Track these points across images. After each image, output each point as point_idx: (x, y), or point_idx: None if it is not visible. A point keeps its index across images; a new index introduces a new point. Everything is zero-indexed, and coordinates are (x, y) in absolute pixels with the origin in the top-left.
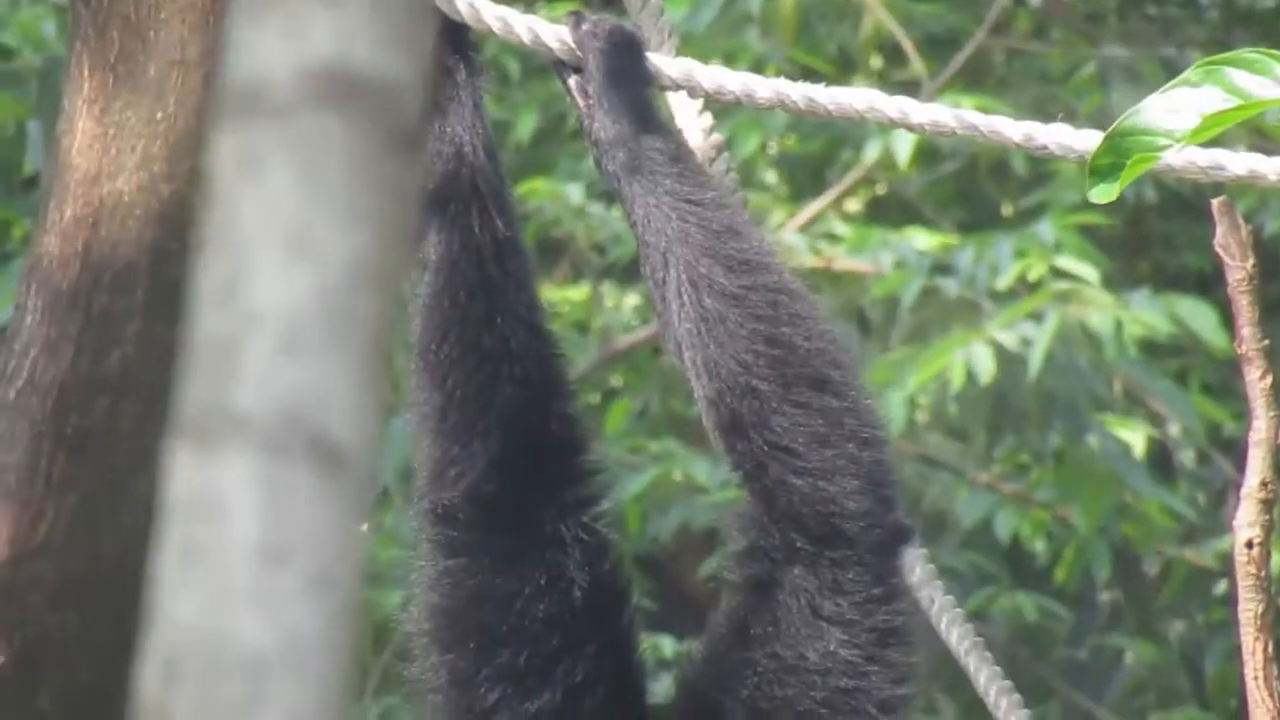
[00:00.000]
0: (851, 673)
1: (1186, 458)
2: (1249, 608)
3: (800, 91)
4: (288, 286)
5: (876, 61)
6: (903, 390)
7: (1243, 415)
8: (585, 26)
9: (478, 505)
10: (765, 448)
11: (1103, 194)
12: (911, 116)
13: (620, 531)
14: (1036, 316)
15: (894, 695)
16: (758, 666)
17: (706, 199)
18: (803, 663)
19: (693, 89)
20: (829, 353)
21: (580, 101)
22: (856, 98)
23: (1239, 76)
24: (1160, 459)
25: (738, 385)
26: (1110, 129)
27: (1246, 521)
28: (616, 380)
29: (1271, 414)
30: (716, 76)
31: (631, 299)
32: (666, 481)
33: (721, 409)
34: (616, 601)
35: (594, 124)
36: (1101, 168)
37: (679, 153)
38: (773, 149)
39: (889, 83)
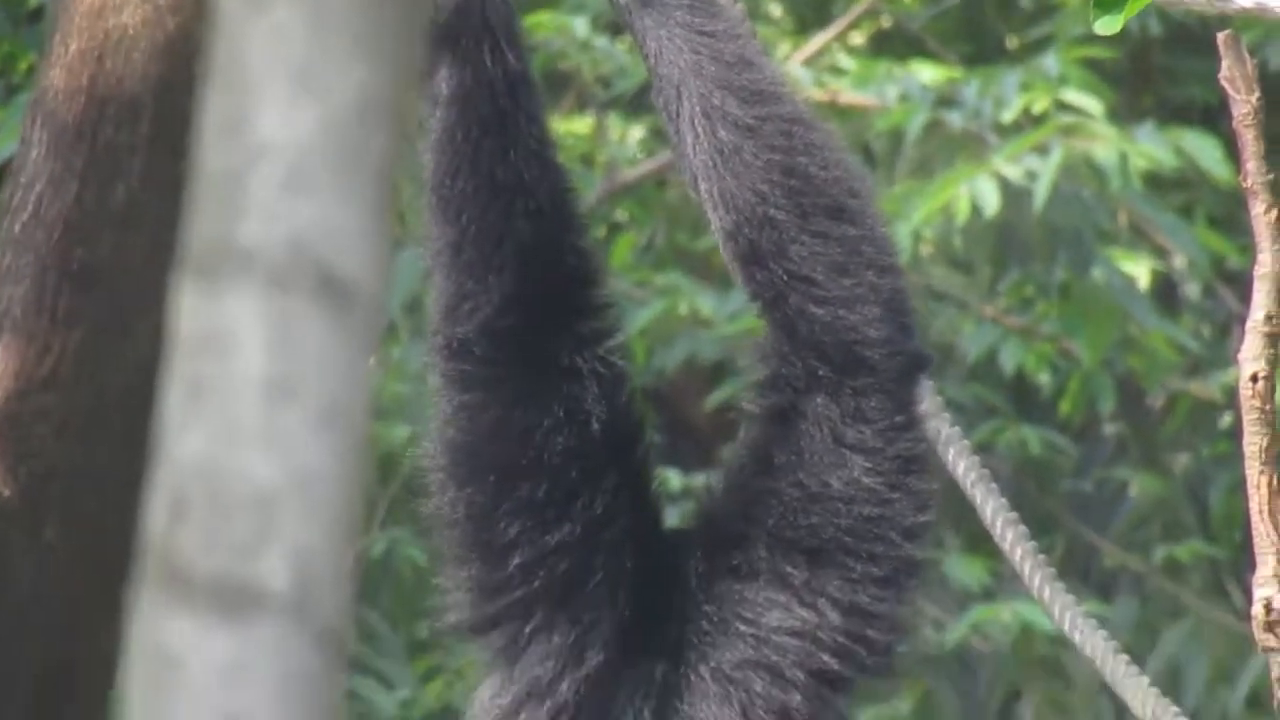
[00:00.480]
0: (875, 500)
1: (1191, 291)
2: (1254, 441)
3: None
4: (294, 121)
5: None
6: (908, 224)
7: (1248, 248)
8: None
9: (493, 339)
10: (785, 278)
11: (1107, 25)
12: None
13: (632, 364)
14: (1041, 150)
15: (917, 522)
16: (782, 496)
17: (719, 30)
18: (826, 490)
19: None
20: (845, 181)
21: None
22: None
23: None
24: (1165, 292)
25: (755, 216)
26: None
27: (1251, 355)
28: (622, 214)
29: (1276, 247)
30: None
31: (636, 132)
32: (672, 315)
33: (740, 240)
34: (633, 434)
35: None
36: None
37: None
38: None
39: None
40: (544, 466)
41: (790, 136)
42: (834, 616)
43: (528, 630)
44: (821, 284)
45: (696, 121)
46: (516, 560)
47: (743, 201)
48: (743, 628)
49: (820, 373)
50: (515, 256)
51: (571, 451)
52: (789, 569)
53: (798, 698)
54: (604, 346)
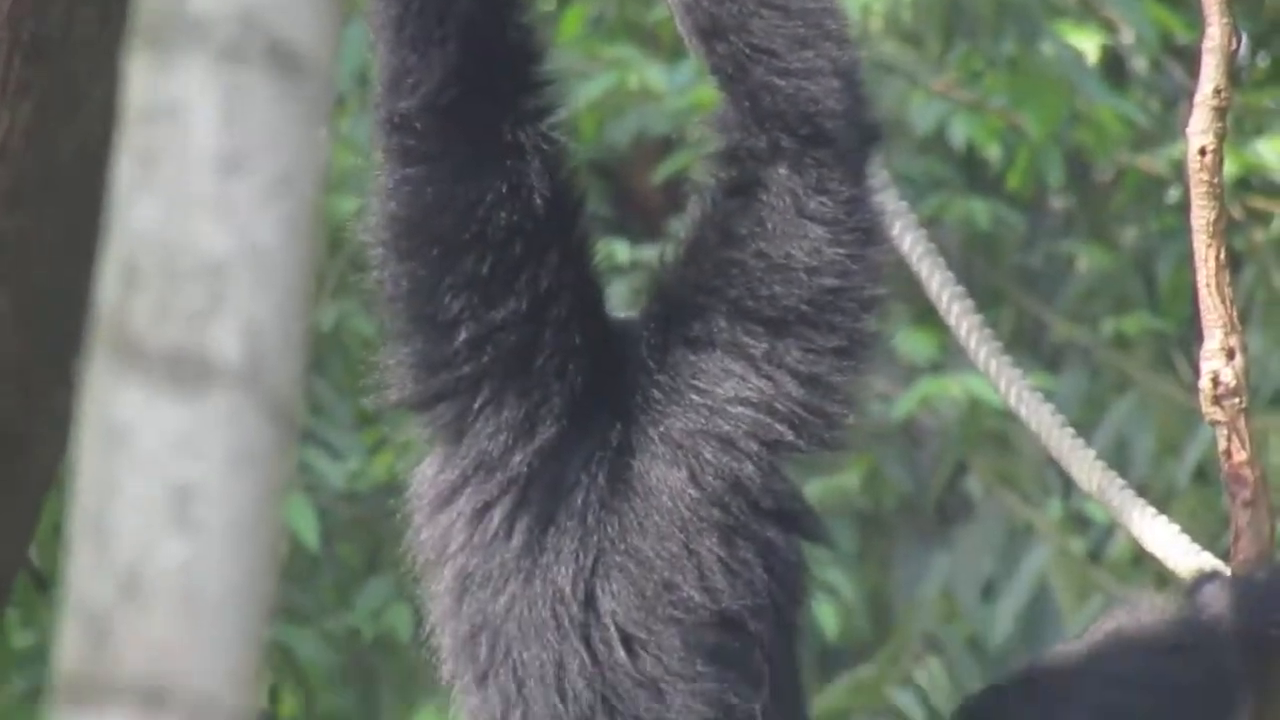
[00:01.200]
0: (836, 271)
1: (1139, 65)
2: (1201, 214)
3: None
4: None
5: None
6: None
7: (1196, 23)
8: None
9: (436, 114)
10: (747, 51)
11: None
12: None
13: (575, 139)
14: None
15: (874, 294)
16: (745, 266)
17: None
18: (789, 261)
19: None
20: None
21: None
22: None
23: None
24: (1113, 66)
25: None
26: None
27: (1200, 129)
28: None
29: (1225, 20)
30: None
31: None
32: (622, 88)
33: (699, 13)
34: (575, 209)
35: None
36: None
37: None
38: None
39: None
40: (487, 241)
41: None
42: (791, 387)
43: (475, 405)
44: (783, 56)
45: None
46: (461, 335)
47: None
48: (696, 397)
49: (783, 144)
50: (458, 31)
51: (514, 227)
52: (748, 340)
53: (749, 467)
54: (547, 121)
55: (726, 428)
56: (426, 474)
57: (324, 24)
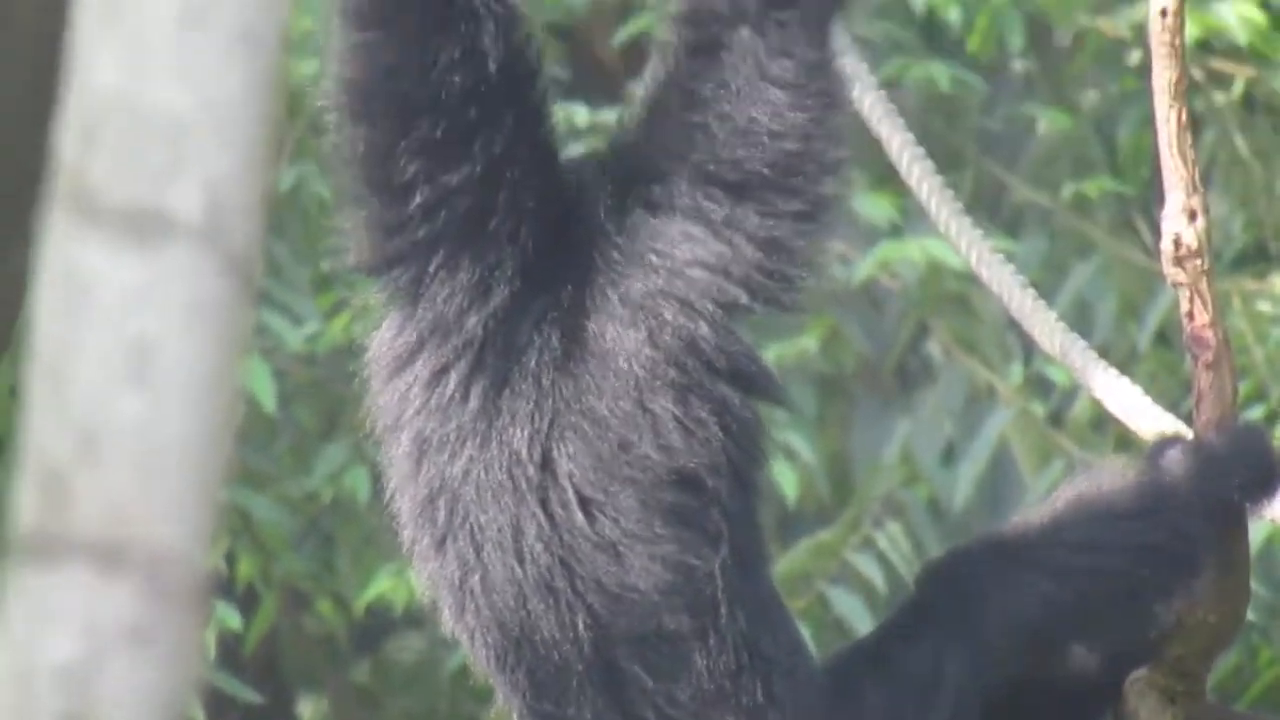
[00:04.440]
0: (798, 135)
1: None
2: (1163, 76)
3: None
4: None
5: None
6: None
7: None
8: None
9: None
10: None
11: None
12: None
13: (532, 1)
14: None
15: (835, 158)
16: (708, 129)
17: None
18: (752, 125)
19: None
20: None
21: None
22: None
23: None
24: None
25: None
26: None
27: None
28: None
29: None
30: None
31: None
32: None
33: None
34: (530, 73)
35: None
36: None
37: None
38: None
39: None
40: (441, 105)
41: None
42: (749, 250)
43: (431, 268)
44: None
45: None
46: (417, 199)
47: None
48: (655, 259)
49: (745, 4)
50: None
51: (469, 91)
52: (708, 203)
53: (705, 327)
54: None
55: (684, 289)
56: (384, 338)
57: None
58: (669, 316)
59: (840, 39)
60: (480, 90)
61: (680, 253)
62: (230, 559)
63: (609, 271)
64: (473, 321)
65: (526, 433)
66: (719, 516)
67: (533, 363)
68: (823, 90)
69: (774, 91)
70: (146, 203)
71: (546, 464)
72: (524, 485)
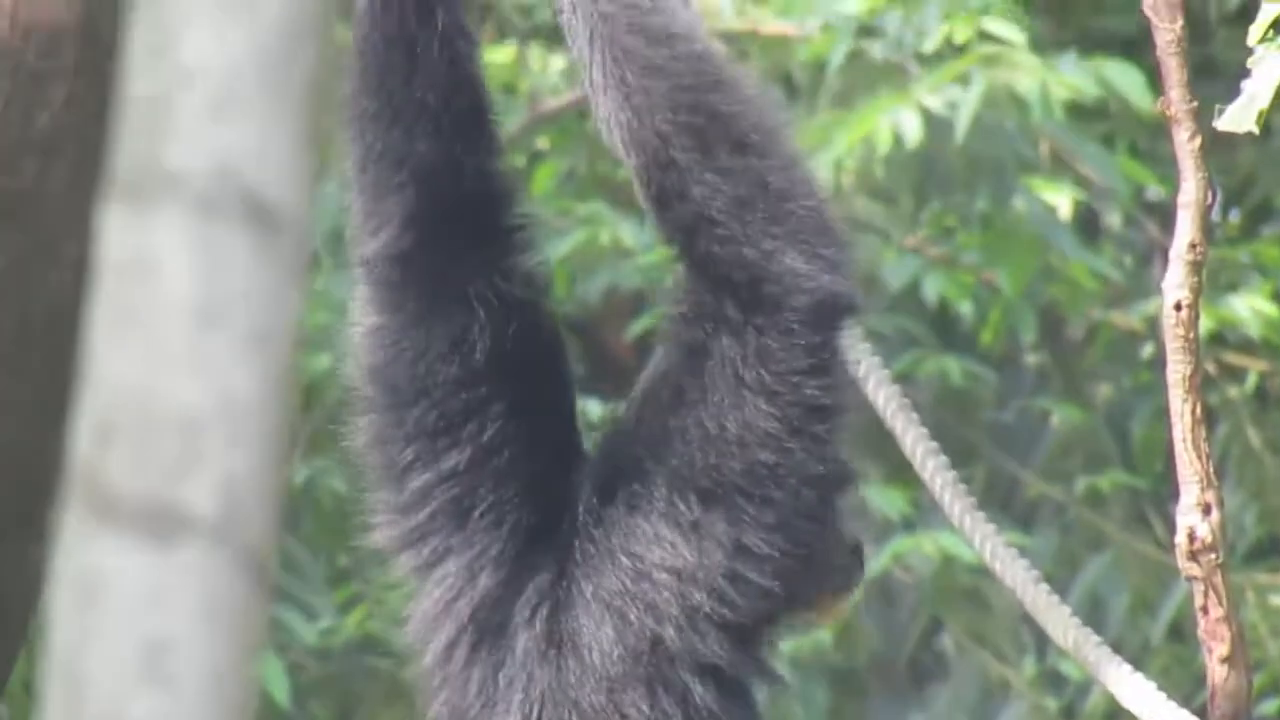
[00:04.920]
0: (772, 446)
1: (1113, 221)
2: (1178, 370)
3: None
4: (221, 44)
5: None
6: (830, 154)
7: (1169, 178)
8: None
9: (393, 261)
10: (689, 218)
11: None
12: None
13: (547, 290)
14: (963, 80)
15: (818, 472)
16: (686, 432)
17: None
18: (723, 433)
19: None
20: (753, 115)
21: None
22: None
23: None
24: (1086, 222)
25: (659, 159)
26: None
27: (1175, 284)
28: (543, 143)
29: (1200, 175)
30: None
31: (558, 61)
32: (593, 244)
33: (648, 183)
34: (534, 363)
35: None
36: None
37: None
38: None
39: None
40: (431, 393)
41: (698, 75)
42: (719, 557)
43: (429, 551)
44: (723, 222)
45: (608, 67)
46: (414, 484)
47: (648, 144)
48: (625, 560)
49: (728, 311)
50: (415, 177)
51: (457, 379)
52: (681, 507)
53: (670, 631)
54: (501, 271)
55: (651, 593)
56: (416, 612)
57: (300, 178)
58: (634, 618)
59: (852, 333)
60: (468, 379)
61: (651, 555)
62: None
63: (585, 565)
64: (462, 605)
65: None
66: None
67: (519, 650)
68: (806, 402)
69: (749, 399)
70: (161, 499)
71: None
72: None
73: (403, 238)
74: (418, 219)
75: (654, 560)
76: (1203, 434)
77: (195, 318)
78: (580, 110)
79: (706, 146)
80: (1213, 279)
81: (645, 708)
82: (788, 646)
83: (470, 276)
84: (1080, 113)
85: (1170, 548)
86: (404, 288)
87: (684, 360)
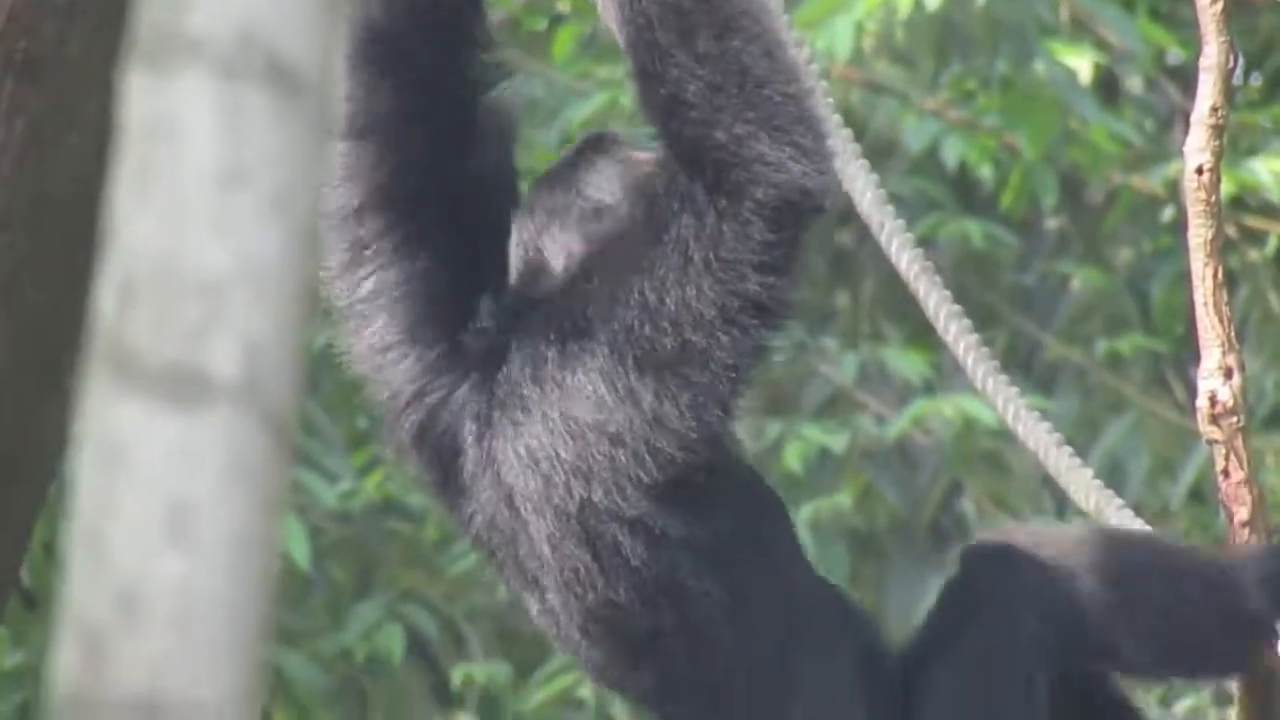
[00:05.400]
0: (704, 330)
1: (1133, 84)
2: (1199, 233)
3: None
4: None
5: None
6: (850, 16)
7: (1190, 42)
8: None
9: (374, 37)
10: (665, 99)
11: None
12: None
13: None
14: None
15: (743, 364)
16: (629, 300)
17: None
18: (662, 307)
19: None
20: (762, 13)
21: None
22: None
23: None
24: (1107, 85)
25: (643, 37)
26: None
27: (1196, 147)
28: (564, 5)
29: (1222, 39)
30: None
31: None
32: (614, 107)
33: (633, 59)
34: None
35: None
36: None
37: None
38: None
39: None
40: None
41: None
42: (640, 424)
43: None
44: (696, 105)
45: None
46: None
47: (633, 21)
48: (559, 420)
49: (695, 192)
50: None
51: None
52: (619, 369)
53: (599, 492)
54: (470, 77)
55: (578, 450)
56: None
57: (321, 40)
58: (560, 478)
59: (874, 194)
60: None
61: (584, 414)
62: (264, 716)
63: (515, 425)
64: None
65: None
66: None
67: (469, 465)
68: (747, 294)
69: (694, 279)
70: (184, 362)
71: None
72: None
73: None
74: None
75: (585, 420)
76: (1224, 298)
77: (217, 180)
78: None
79: (689, 29)
80: (1234, 143)
81: (588, 559)
82: (808, 509)
83: (446, 65)
84: None
85: (1191, 411)
86: (383, 64)
87: (646, 227)
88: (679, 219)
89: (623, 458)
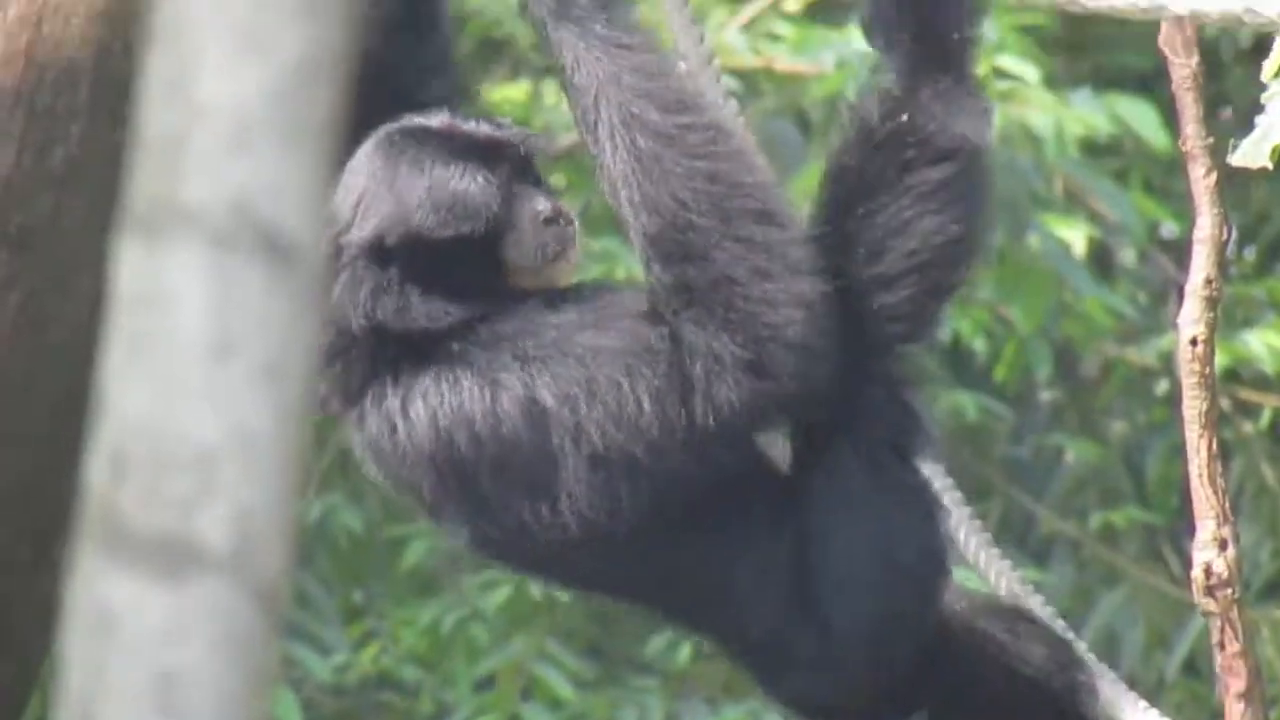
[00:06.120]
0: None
1: (1127, 257)
2: (1193, 405)
3: None
4: (236, 80)
5: None
6: None
7: (1183, 215)
8: None
9: None
10: (714, 274)
11: None
12: None
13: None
14: None
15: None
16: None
17: (636, 42)
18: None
19: None
20: (770, 185)
21: None
22: None
23: None
24: (1101, 258)
25: (678, 219)
26: None
27: (1191, 319)
28: (558, 179)
29: (1215, 211)
30: None
31: None
32: (610, 279)
33: (663, 242)
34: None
35: None
36: None
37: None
38: None
39: None
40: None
41: (713, 143)
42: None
43: None
44: (745, 284)
45: (615, 130)
46: None
47: (665, 207)
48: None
49: (727, 357)
50: None
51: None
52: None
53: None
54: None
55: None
56: None
57: (315, 212)
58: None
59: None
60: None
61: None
62: None
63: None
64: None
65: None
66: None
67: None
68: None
69: (663, 420)
70: (175, 533)
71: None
72: None
73: None
74: None
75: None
76: (1218, 469)
77: (209, 351)
78: None
79: (727, 214)
80: (1228, 315)
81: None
82: None
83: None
84: (1094, 149)
85: (1186, 583)
86: None
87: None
88: (703, 380)
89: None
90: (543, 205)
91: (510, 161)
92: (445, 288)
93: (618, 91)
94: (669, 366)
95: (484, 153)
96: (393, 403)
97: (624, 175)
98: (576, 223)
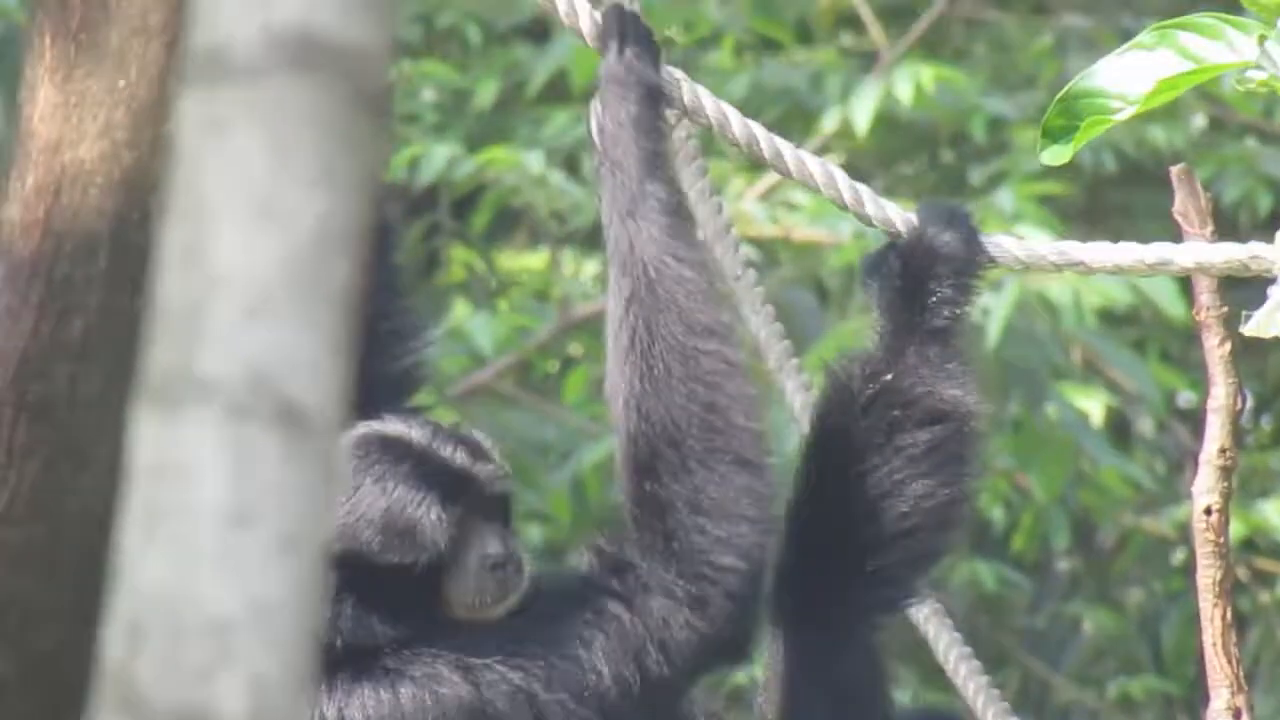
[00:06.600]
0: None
1: (1145, 427)
2: (1208, 574)
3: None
4: (252, 250)
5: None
6: None
7: (1200, 384)
8: (614, 60)
9: None
10: (678, 497)
11: (1055, 156)
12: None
13: (581, 499)
14: (995, 285)
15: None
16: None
17: (689, 258)
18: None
19: (704, 120)
20: (761, 437)
21: (598, 142)
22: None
23: (1192, 41)
24: (1118, 428)
25: (666, 433)
26: (1063, 91)
27: (1205, 488)
28: (576, 348)
29: (1230, 380)
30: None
31: (590, 267)
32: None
33: (642, 445)
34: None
35: (605, 164)
36: (1055, 130)
37: (676, 207)
38: None
39: (848, 53)
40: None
41: (724, 377)
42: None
43: None
44: (712, 517)
45: (637, 330)
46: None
47: (657, 416)
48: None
49: (677, 591)
50: None
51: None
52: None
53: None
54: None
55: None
56: None
57: (332, 381)
58: None
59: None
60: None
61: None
62: None
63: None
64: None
65: None
66: None
67: None
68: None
69: (649, 664)
70: (192, 703)
71: None
72: None
73: None
74: None
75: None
76: (1233, 639)
77: (226, 521)
78: None
79: (714, 447)
80: (1243, 485)
81: None
82: None
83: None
84: (1112, 319)
85: None
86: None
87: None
88: (642, 602)
89: None
90: (493, 549)
91: (475, 497)
92: (382, 606)
93: (652, 297)
94: (619, 623)
95: (450, 485)
96: (329, 711)
97: (631, 375)
98: (526, 567)
